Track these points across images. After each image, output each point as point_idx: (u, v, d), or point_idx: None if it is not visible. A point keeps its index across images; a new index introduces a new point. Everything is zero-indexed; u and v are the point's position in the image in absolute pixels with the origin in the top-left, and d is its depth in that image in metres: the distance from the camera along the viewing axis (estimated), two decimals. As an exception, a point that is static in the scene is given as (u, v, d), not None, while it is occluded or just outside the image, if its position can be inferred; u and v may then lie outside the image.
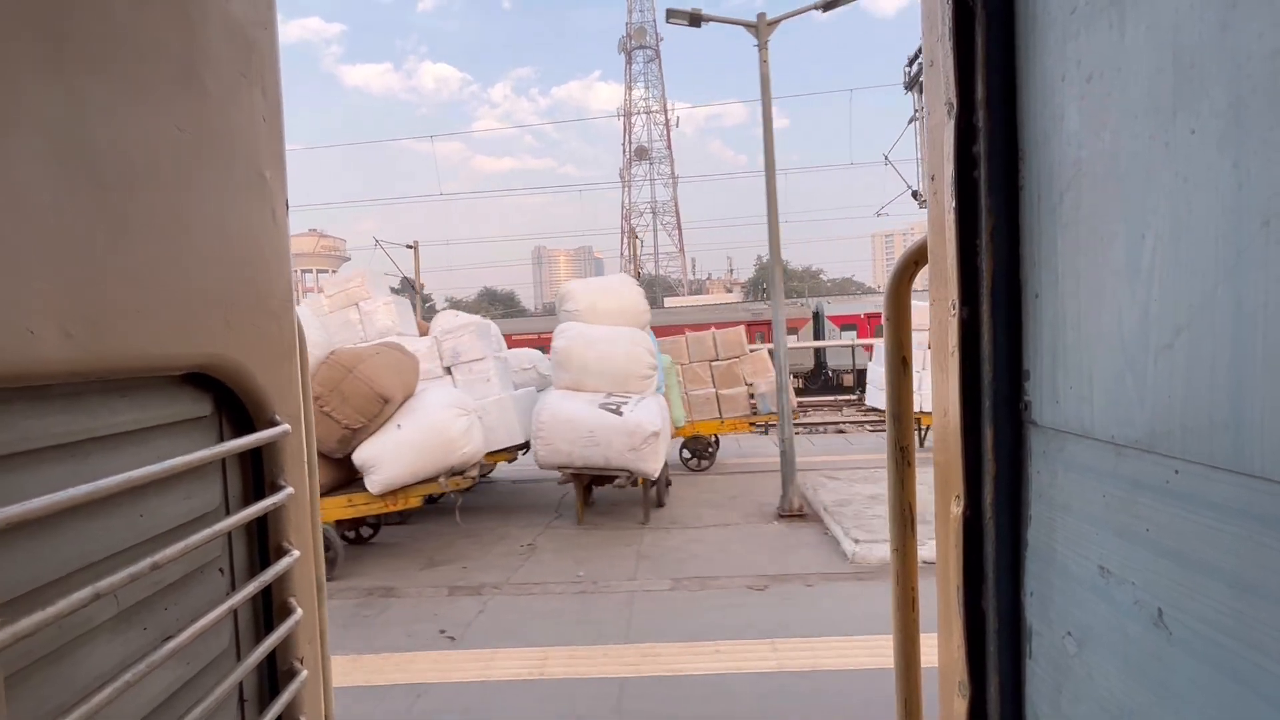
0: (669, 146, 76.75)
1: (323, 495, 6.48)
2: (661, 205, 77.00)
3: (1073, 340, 0.74)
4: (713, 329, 11.72)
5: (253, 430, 0.99)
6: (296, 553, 1.05)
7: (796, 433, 15.24)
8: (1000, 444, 0.85)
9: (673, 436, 10.15)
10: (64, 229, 0.66)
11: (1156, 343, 0.62)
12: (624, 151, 77.48)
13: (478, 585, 6.42)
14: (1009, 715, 0.86)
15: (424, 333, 9.10)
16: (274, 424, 1.01)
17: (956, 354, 0.89)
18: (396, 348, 7.41)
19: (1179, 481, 0.60)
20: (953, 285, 0.89)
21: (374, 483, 6.69)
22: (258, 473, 1.02)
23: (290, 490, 1.03)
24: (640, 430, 7.42)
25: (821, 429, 16.70)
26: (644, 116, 76.86)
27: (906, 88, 14.14)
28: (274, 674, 1.05)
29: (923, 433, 11.16)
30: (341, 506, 6.80)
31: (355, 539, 7.82)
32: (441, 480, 7.01)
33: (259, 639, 1.01)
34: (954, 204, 0.87)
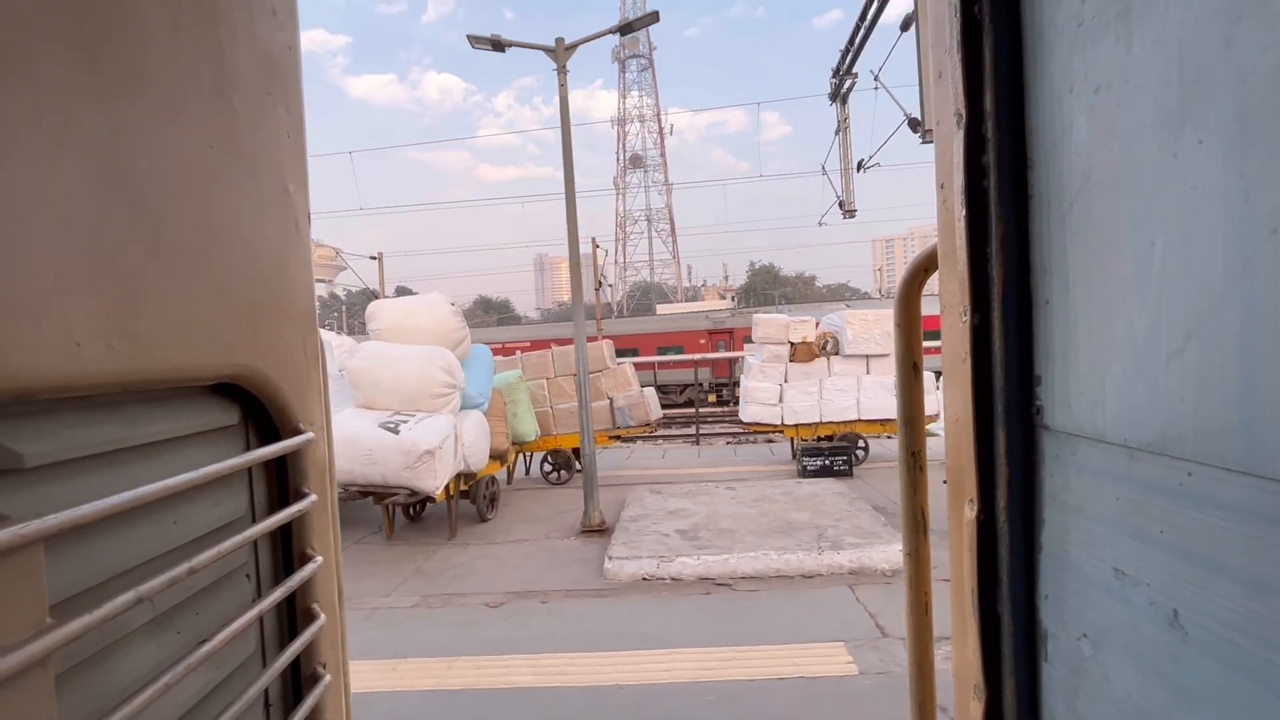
0: (663, 154, 77.05)
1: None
2: (656, 212, 77.21)
3: (1084, 346, 0.75)
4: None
5: (278, 439, 1.01)
6: (320, 559, 1.06)
7: (657, 443, 15.73)
8: (1013, 448, 0.86)
9: (520, 451, 10.57)
10: (106, 247, 0.68)
11: (1167, 348, 0.63)
12: (618, 159, 77.75)
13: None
14: (1025, 718, 0.86)
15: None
16: (298, 432, 1.03)
17: (968, 360, 0.90)
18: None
19: (1192, 484, 0.61)
20: (964, 292, 0.91)
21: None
22: (282, 480, 1.04)
23: (314, 497, 1.05)
24: (415, 449, 7.50)
25: (710, 440, 16.95)
26: (638, 124, 77.16)
27: (831, 99, 14.22)
28: (297, 678, 1.06)
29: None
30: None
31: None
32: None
33: (283, 644, 1.03)
34: (964, 212, 0.89)
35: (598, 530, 8.19)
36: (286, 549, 1.06)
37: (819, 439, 11.15)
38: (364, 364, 8.25)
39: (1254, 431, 0.54)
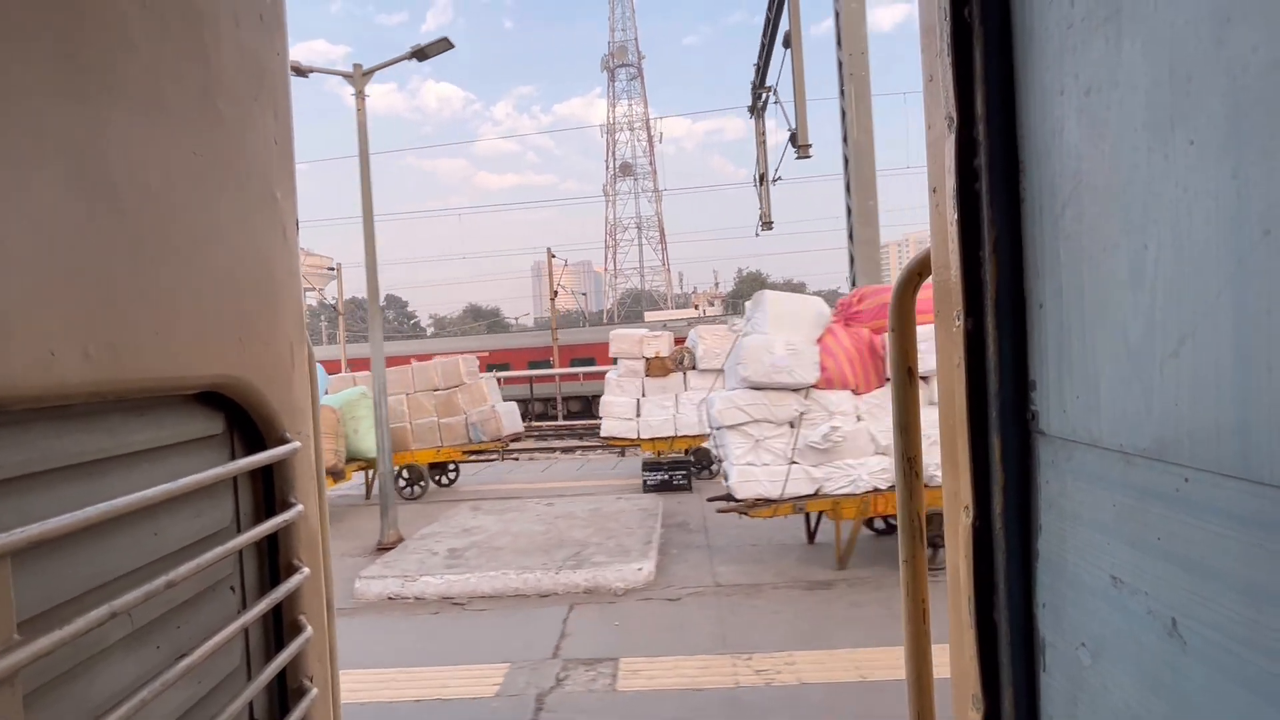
0: (652, 162, 77.31)
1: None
2: (646, 220, 77.42)
3: (1078, 350, 0.75)
4: (436, 359, 12.06)
5: (264, 448, 0.99)
6: (306, 570, 1.04)
7: (515, 458, 15.91)
8: (1008, 454, 0.85)
9: (365, 467, 10.72)
10: (85, 253, 0.67)
11: (1162, 351, 0.62)
12: (607, 167, 77.94)
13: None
14: None
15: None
16: (284, 442, 1.01)
17: (962, 365, 0.89)
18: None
19: (1189, 490, 0.60)
20: (957, 297, 0.90)
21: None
22: (268, 490, 1.02)
23: (300, 508, 1.03)
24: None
25: (555, 454, 17.15)
26: (628, 133, 77.43)
27: (750, 111, 14.33)
28: (284, 692, 1.04)
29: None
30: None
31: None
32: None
33: (269, 657, 1.01)
34: (956, 216, 0.89)
35: (390, 548, 8.21)
36: (273, 560, 1.04)
37: (687, 452, 11.31)
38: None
39: (1249, 436, 0.53)
